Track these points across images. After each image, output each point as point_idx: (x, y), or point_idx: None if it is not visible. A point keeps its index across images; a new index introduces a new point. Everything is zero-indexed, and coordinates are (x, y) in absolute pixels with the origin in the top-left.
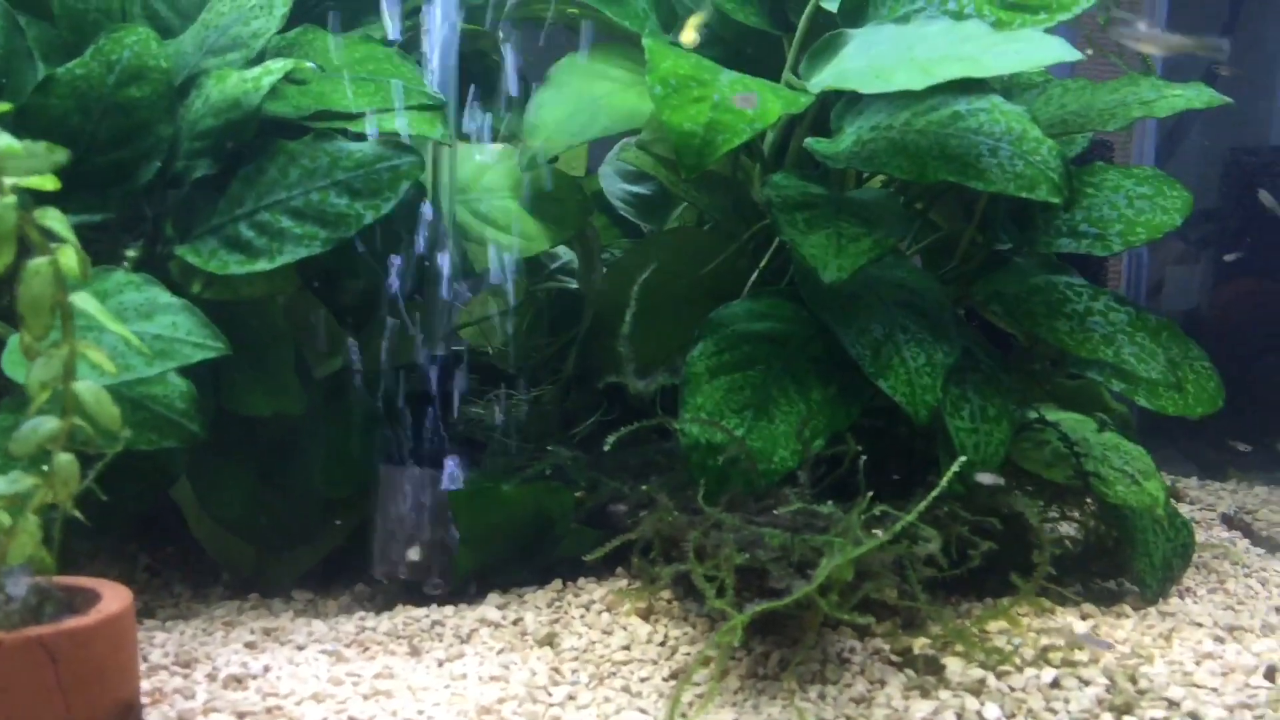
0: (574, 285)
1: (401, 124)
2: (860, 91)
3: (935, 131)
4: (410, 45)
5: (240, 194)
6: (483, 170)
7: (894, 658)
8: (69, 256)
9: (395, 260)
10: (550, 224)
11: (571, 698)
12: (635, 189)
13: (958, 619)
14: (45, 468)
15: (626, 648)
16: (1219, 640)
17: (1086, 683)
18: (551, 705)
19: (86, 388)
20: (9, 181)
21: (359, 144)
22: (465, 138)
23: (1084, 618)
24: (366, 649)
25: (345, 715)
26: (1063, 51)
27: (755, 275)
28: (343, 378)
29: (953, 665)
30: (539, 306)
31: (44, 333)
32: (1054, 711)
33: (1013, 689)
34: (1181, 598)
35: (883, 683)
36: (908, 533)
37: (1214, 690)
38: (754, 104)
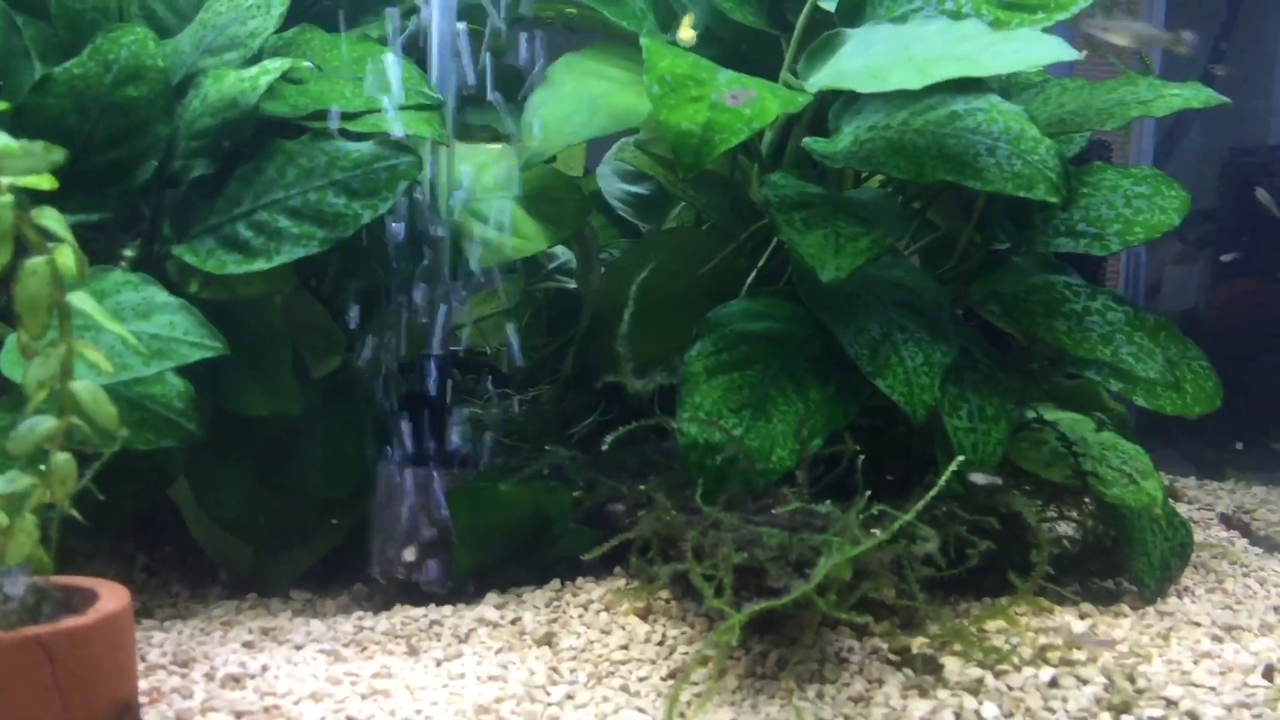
0: (572, 285)
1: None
2: (858, 91)
3: (933, 131)
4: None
5: (238, 193)
6: (482, 169)
7: (892, 657)
8: (66, 256)
9: (394, 261)
10: (548, 224)
11: (570, 697)
12: (633, 189)
13: (956, 618)
14: (43, 467)
15: (625, 647)
16: (1217, 639)
17: (1084, 682)
18: (550, 705)
19: (84, 387)
20: (6, 181)
21: (357, 144)
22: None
23: (1082, 617)
24: (364, 648)
25: (343, 715)
26: (1060, 51)
27: (753, 275)
28: (340, 377)
29: (951, 664)
30: (537, 306)
31: (41, 332)
32: (1052, 710)
33: (1011, 688)
34: (1180, 597)
35: (881, 682)
36: (906, 532)
37: (1212, 689)
38: (745, 100)
